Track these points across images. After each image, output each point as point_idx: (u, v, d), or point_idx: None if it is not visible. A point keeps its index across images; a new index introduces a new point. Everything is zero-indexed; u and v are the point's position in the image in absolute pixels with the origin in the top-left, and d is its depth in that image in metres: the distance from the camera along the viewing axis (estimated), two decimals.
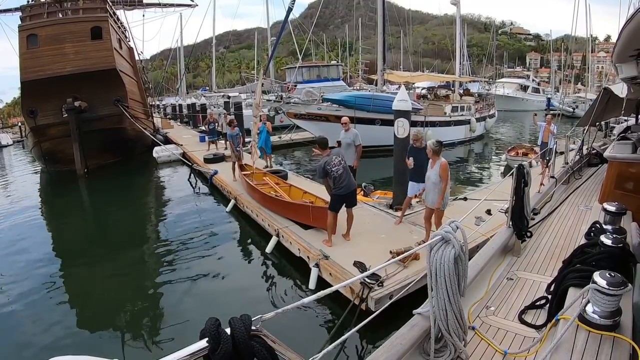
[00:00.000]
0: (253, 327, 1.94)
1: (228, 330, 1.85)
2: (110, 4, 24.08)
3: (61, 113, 20.48)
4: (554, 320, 3.96)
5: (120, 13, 27.83)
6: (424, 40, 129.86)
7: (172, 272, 9.69)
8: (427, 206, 8.39)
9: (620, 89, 11.88)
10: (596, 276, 3.46)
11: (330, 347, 3.22)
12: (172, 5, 38.51)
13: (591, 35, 45.70)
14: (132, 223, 14.51)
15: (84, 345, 6.92)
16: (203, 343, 1.82)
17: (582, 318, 3.53)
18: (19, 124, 54.81)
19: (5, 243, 12.41)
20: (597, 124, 16.33)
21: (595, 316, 3.46)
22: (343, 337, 3.53)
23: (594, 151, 14.41)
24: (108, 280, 9.66)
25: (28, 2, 22.81)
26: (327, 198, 10.60)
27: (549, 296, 4.70)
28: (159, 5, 36.83)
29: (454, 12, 37.14)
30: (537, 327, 4.52)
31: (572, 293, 4.06)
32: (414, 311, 4.19)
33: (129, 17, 31.87)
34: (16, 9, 26.16)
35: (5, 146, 46.30)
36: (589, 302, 3.53)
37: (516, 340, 4.43)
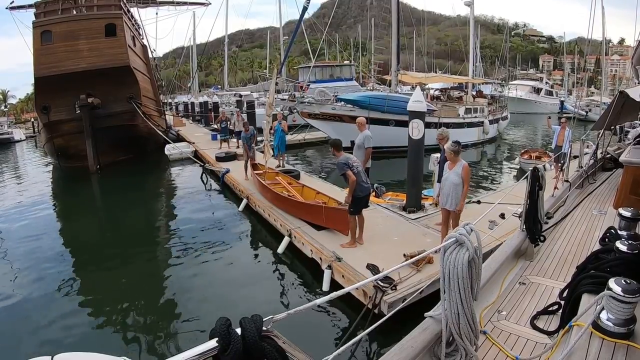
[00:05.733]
0: (264, 328, 1.92)
1: (239, 331, 1.84)
2: (125, 1, 24.19)
3: (74, 109, 20.68)
4: (567, 327, 3.91)
5: (134, 10, 27.97)
6: (437, 41, 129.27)
7: (182, 271, 9.73)
8: (446, 209, 8.28)
9: (638, 93, 11.76)
10: (611, 283, 3.41)
11: (341, 349, 3.20)
12: (185, 3, 38.58)
13: (605, 38, 45.30)
14: (144, 220, 14.59)
15: (92, 342, 6.96)
16: (213, 343, 1.81)
17: (596, 325, 3.49)
18: (32, 119, 55.50)
19: (17, 238, 12.52)
20: (612, 127, 16.16)
21: (610, 324, 3.42)
22: (354, 340, 3.51)
23: (608, 155, 14.26)
24: (118, 277, 9.70)
25: None
26: (340, 199, 10.60)
27: (562, 302, 4.64)
28: (172, 3, 36.92)
29: (467, 13, 36.97)
30: (550, 333, 4.47)
31: (586, 299, 4.01)
32: (426, 314, 4.15)
33: (143, 15, 32.03)
34: (30, 6, 26.35)
35: (18, 141, 46.92)
36: (603, 309, 3.48)
37: (528, 346, 4.39)
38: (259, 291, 8.56)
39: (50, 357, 1.58)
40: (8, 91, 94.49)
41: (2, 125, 51.83)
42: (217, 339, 1.81)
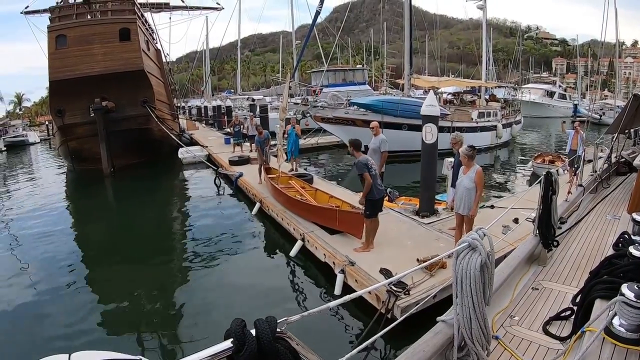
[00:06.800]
0: (278, 330, 1.95)
1: (253, 332, 1.86)
2: (139, 6, 24.39)
3: (88, 113, 20.88)
4: (579, 333, 3.92)
5: (147, 15, 28.18)
6: (449, 45, 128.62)
7: (196, 273, 9.81)
8: (460, 213, 8.25)
9: None
10: (624, 288, 3.42)
11: (353, 352, 3.21)
12: (198, 8, 38.91)
13: (618, 40, 44.91)
14: (157, 223, 14.68)
15: (107, 341, 7.04)
16: (227, 343, 1.83)
17: (608, 331, 3.49)
18: (46, 122, 56.24)
19: (32, 240, 12.69)
20: (626, 131, 16.02)
21: (622, 329, 3.42)
22: (366, 343, 3.54)
23: (622, 159, 14.14)
24: (132, 278, 9.80)
25: (57, 3, 23.22)
26: (353, 202, 10.62)
27: (575, 307, 4.64)
28: (185, 8, 37.24)
29: (480, 17, 36.66)
30: (562, 339, 4.46)
31: (599, 305, 4.01)
32: (438, 318, 4.16)
33: (156, 20, 32.28)
34: (45, 11, 26.77)
35: (33, 144, 47.52)
36: (615, 314, 3.48)
37: (540, 351, 4.38)
38: (272, 294, 8.58)
39: (68, 355, 1.62)
40: (23, 94, 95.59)
41: (17, 128, 52.53)
42: (232, 339, 1.83)
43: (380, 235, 9.19)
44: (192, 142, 29.55)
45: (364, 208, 8.89)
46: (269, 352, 1.83)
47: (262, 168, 15.80)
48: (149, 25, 27.60)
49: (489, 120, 29.04)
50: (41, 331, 7.51)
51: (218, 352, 1.82)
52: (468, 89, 36.46)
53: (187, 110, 54.08)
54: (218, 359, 1.82)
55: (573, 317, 4.60)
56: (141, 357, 1.77)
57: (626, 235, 5.29)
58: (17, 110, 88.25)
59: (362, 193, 8.77)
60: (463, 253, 3.62)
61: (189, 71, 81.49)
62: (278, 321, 1.99)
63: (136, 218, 15.34)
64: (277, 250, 10.97)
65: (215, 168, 20.57)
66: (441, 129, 11.68)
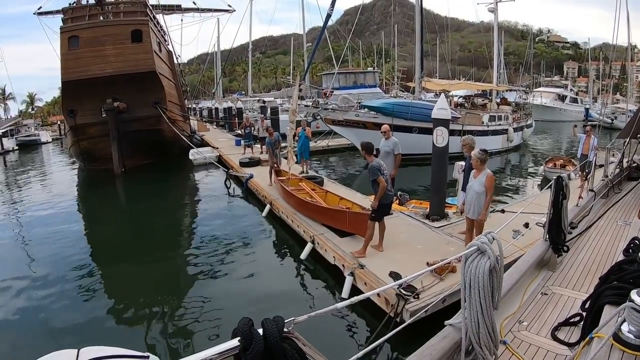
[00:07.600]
0: (285, 329, 1.96)
1: (260, 331, 1.88)
2: (150, 8, 24.53)
3: (100, 113, 21.04)
4: (587, 339, 3.90)
5: (159, 17, 28.38)
6: (460, 48, 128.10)
7: (205, 273, 9.85)
8: (469, 217, 8.24)
9: None
10: (633, 294, 3.40)
11: (360, 354, 3.21)
12: (209, 10, 39.17)
13: (630, 44, 44.54)
14: (167, 223, 14.75)
15: (116, 338, 7.14)
16: (235, 342, 1.85)
17: (617, 337, 3.47)
18: (58, 122, 56.90)
19: (43, 238, 12.84)
20: (638, 135, 15.89)
21: (631, 336, 3.40)
22: (373, 345, 3.55)
23: (634, 164, 14.03)
24: (142, 276, 9.93)
25: (70, 4, 23.41)
26: (364, 204, 10.61)
27: (584, 313, 4.62)
28: (197, 10, 37.50)
29: (491, 19, 36.57)
30: (570, 345, 4.44)
31: (608, 311, 3.99)
32: (446, 322, 4.14)
33: (168, 22, 32.50)
34: (57, 12, 27.04)
35: (45, 143, 48.06)
36: (624, 320, 3.47)
37: (548, 357, 4.37)
38: (281, 295, 8.61)
39: (77, 350, 1.65)
40: (35, 94, 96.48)
41: (29, 128, 53.02)
42: (239, 338, 1.84)
43: (390, 238, 9.18)
44: (202, 144, 29.66)
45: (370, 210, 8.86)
46: (276, 352, 1.85)
47: (273, 170, 15.83)
48: (160, 27, 27.78)
49: (500, 124, 28.87)
50: (50, 326, 7.62)
51: (225, 350, 1.84)
52: (479, 92, 36.34)
53: (198, 112, 54.28)
54: (225, 357, 1.84)
55: (582, 322, 4.59)
56: (149, 354, 1.79)
57: (637, 241, 5.27)
58: (30, 110, 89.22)
59: (374, 197, 8.75)
60: (472, 257, 3.61)
61: (200, 73, 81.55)
62: (285, 321, 2.01)
63: (146, 218, 15.43)
64: (287, 252, 11.00)
65: (226, 169, 20.59)
66: (452, 133, 11.67)
